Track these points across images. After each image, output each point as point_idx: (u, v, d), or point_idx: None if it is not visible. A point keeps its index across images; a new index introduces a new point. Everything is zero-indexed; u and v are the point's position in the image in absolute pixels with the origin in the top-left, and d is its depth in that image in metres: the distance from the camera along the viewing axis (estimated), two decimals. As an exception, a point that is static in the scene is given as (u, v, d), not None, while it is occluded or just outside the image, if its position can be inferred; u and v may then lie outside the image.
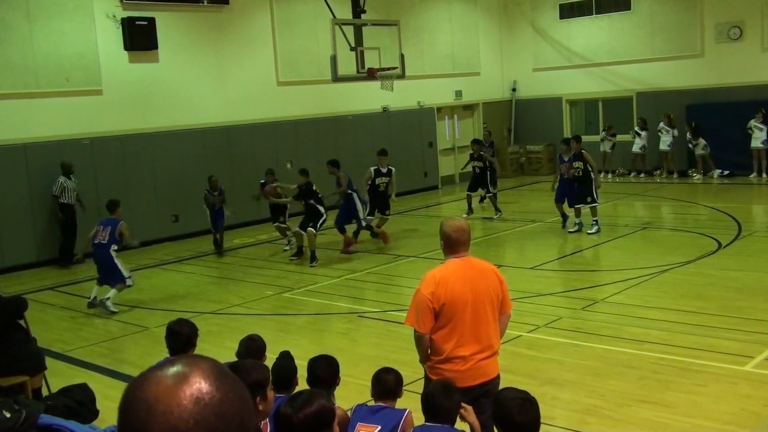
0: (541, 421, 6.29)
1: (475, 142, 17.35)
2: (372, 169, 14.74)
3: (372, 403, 4.58)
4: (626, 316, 9.31)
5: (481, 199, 17.69)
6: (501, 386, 4.57)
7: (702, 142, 20.56)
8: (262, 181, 14.63)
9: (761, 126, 19.81)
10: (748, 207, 16.49)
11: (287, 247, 14.59)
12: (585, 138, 23.21)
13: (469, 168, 17.20)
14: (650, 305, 9.62)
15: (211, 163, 16.76)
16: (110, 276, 10.97)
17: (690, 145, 20.91)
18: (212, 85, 17.20)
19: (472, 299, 4.83)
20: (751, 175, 20.01)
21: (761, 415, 6.23)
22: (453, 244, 4.96)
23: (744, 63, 20.63)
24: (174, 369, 1.30)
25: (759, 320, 8.63)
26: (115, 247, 10.99)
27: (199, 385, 1.27)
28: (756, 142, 19.97)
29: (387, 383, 4.52)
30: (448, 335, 4.85)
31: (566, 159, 14.28)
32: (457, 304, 4.80)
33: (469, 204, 17.02)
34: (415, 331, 4.94)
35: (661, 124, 21.21)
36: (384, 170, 14.78)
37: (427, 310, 4.82)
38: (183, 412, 1.25)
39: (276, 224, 14.72)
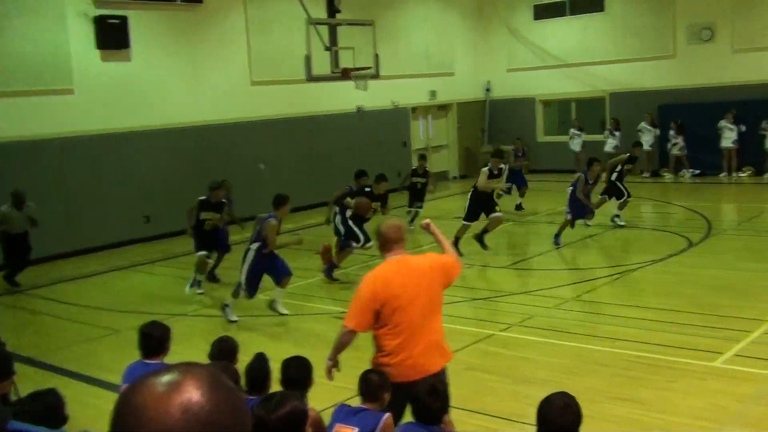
0: (515, 419, 6.38)
1: (494, 154, 13.48)
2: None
3: (356, 403, 4.57)
4: (599, 314, 9.40)
5: (518, 207, 16.92)
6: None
7: (681, 142, 20.78)
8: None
9: (731, 126, 20.09)
10: (718, 206, 16.70)
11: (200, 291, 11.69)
12: (559, 138, 23.52)
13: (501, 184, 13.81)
14: (622, 303, 9.71)
15: (183, 164, 16.66)
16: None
17: (669, 144, 21.09)
18: (185, 84, 17.08)
19: (412, 296, 4.91)
20: (721, 174, 20.27)
21: (730, 409, 6.31)
22: (389, 242, 5.09)
23: (715, 64, 20.87)
24: (168, 376, 1.29)
25: (728, 317, 8.74)
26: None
27: (190, 395, 1.26)
28: (726, 142, 20.23)
29: (369, 384, 4.52)
30: (391, 332, 4.91)
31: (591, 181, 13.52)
32: (398, 302, 4.88)
33: (481, 243, 12.96)
34: (344, 326, 5.01)
35: (643, 124, 21.41)
36: (421, 171, 15.76)
37: (368, 309, 4.91)
38: (170, 421, 1.24)
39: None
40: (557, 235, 13.15)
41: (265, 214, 9.75)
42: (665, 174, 21.04)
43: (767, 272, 10.76)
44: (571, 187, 13.32)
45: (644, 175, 21.18)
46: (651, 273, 11.17)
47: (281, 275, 9.92)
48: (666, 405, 6.48)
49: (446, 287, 5.17)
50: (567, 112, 24.18)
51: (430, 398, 4.16)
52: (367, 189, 12.34)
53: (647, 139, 21.43)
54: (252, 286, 9.76)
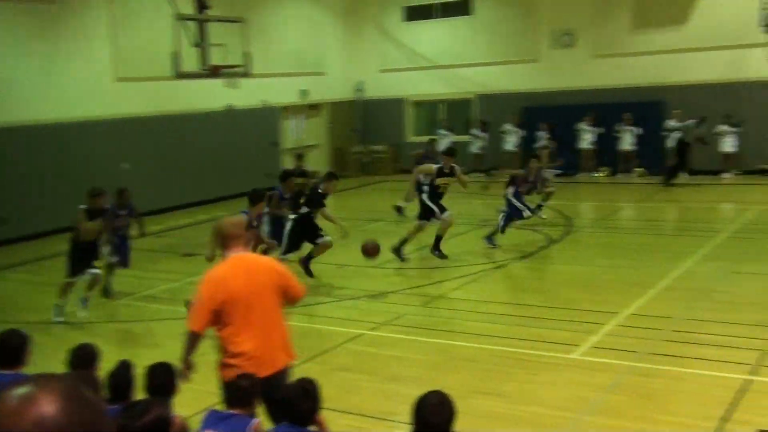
0: (385, 417, 6.47)
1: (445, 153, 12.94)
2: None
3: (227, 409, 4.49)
4: (465, 311, 9.66)
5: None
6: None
7: (545, 142, 21.52)
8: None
9: (590, 128, 21.09)
10: (576, 204, 17.46)
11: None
12: (425, 139, 23.92)
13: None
14: (487, 300, 10.04)
15: (38, 162, 15.89)
16: None
17: (538, 144, 21.77)
18: (42, 80, 16.29)
19: (252, 294, 4.92)
20: (579, 174, 21.22)
21: (588, 399, 6.62)
22: (228, 239, 5.08)
23: (576, 68, 21.85)
24: (23, 389, 1.25)
25: (584, 310, 9.17)
26: None
27: (44, 408, 1.23)
28: (585, 143, 21.24)
29: (238, 390, 4.46)
30: (233, 331, 4.92)
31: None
32: (238, 301, 4.89)
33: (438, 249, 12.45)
34: (188, 328, 5.01)
35: (507, 126, 22.10)
36: (299, 172, 14.10)
37: (207, 310, 4.91)
38: None
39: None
40: (490, 237, 12.77)
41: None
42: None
43: (620, 267, 11.35)
44: (511, 188, 13.01)
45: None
46: (513, 270, 11.58)
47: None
48: (529, 397, 6.73)
49: (285, 298, 5.11)
50: (436, 112, 24.69)
51: (300, 399, 4.15)
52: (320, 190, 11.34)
53: (512, 140, 22.18)
54: None
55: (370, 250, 11.00)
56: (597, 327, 8.47)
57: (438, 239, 12.12)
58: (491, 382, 7.10)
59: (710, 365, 7.19)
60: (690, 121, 19.22)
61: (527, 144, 21.89)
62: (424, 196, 12.16)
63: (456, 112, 24.12)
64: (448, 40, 23.76)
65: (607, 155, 21.17)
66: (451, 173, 12.14)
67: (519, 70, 22.74)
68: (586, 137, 21.20)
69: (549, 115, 21.63)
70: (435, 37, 23.97)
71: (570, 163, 21.04)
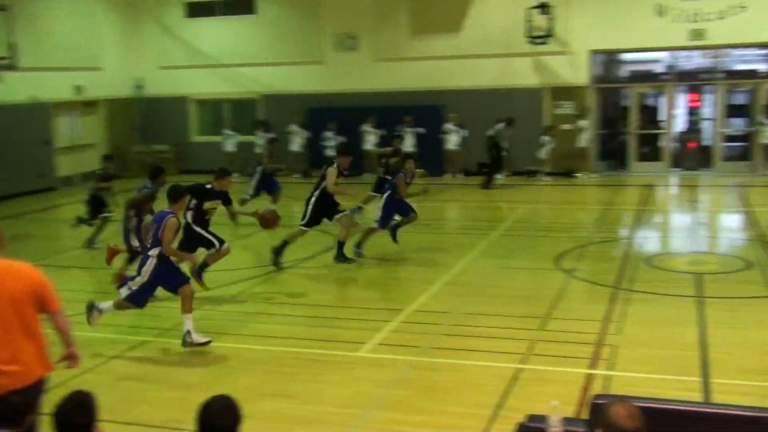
0: (171, 426, 6.27)
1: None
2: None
3: None
4: (253, 313, 9.59)
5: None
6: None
7: (333, 143, 21.77)
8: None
9: (371, 130, 21.68)
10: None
11: None
12: (213, 139, 23.52)
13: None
14: (274, 301, 10.04)
15: None
16: None
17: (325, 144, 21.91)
18: None
19: None
20: (364, 174, 21.71)
21: (373, 394, 6.81)
22: None
23: (359, 71, 22.39)
24: None
25: (372, 309, 9.45)
26: None
27: None
28: (368, 145, 21.79)
29: (9, 407, 4.12)
30: None
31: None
32: None
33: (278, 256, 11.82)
34: None
35: (293, 127, 22.17)
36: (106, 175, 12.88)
37: None
38: None
39: None
40: (359, 245, 12.14)
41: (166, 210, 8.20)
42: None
43: (406, 265, 11.78)
44: (388, 191, 12.29)
45: (296, 176, 21.92)
46: (302, 271, 11.66)
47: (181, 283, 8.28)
48: (316, 396, 6.81)
49: (41, 308, 4.77)
50: (221, 112, 24.32)
51: (75, 413, 3.92)
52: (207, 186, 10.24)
53: (298, 140, 22.32)
54: (147, 295, 8.26)
55: (269, 220, 10.47)
56: (382, 324, 8.73)
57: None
58: (279, 384, 7.11)
59: (486, 356, 7.65)
60: (500, 125, 20.28)
61: (312, 145, 22.14)
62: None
63: (241, 112, 23.89)
64: (232, 39, 23.49)
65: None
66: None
67: (304, 71, 22.94)
68: (370, 139, 21.78)
69: (334, 117, 21.98)
70: (218, 34, 23.60)
71: (356, 164, 21.50)
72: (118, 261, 10.59)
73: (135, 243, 10.13)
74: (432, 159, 20.98)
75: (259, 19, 23.33)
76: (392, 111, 21.43)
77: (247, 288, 10.73)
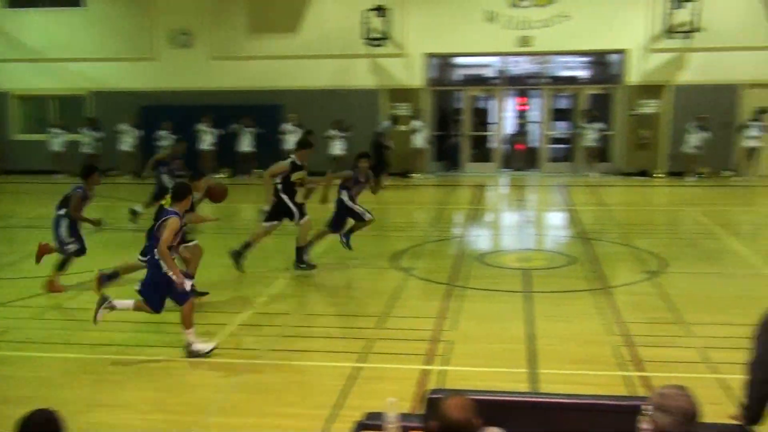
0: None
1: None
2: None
3: None
4: (80, 320, 9.11)
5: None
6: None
7: (167, 142, 21.11)
8: None
9: (207, 129, 21.25)
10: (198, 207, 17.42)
11: None
12: (37, 137, 22.25)
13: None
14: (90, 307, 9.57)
15: None
16: None
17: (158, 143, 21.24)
18: None
19: None
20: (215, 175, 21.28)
21: (210, 400, 6.65)
22: None
23: (195, 69, 21.90)
24: None
25: (207, 312, 9.19)
26: None
27: None
28: (204, 144, 21.37)
29: None
30: None
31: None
32: None
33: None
34: None
35: (123, 125, 21.42)
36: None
37: None
38: None
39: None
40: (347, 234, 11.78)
41: None
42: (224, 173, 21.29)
43: (247, 266, 11.52)
44: (345, 192, 11.65)
45: (125, 177, 21.18)
46: (136, 276, 11.21)
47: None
48: (154, 404, 6.60)
49: None
50: (47, 109, 23.05)
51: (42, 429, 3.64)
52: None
53: (129, 140, 21.54)
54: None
55: (218, 193, 9.89)
56: (220, 328, 8.56)
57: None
58: (110, 394, 6.81)
59: (324, 356, 7.68)
60: (386, 123, 20.28)
61: (145, 144, 21.43)
62: None
63: (69, 110, 22.76)
64: (59, 32, 22.35)
65: (226, 157, 21.49)
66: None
67: (136, 67, 22.19)
68: (206, 138, 21.34)
69: (168, 115, 21.36)
70: (43, 27, 22.41)
71: (191, 164, 21.02)
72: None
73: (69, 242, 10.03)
74: (271, 159, 20.78)
75: (87, 11, 22.32)
76: (230, 110, 21.12)
77: (76, 296, 10.19)
